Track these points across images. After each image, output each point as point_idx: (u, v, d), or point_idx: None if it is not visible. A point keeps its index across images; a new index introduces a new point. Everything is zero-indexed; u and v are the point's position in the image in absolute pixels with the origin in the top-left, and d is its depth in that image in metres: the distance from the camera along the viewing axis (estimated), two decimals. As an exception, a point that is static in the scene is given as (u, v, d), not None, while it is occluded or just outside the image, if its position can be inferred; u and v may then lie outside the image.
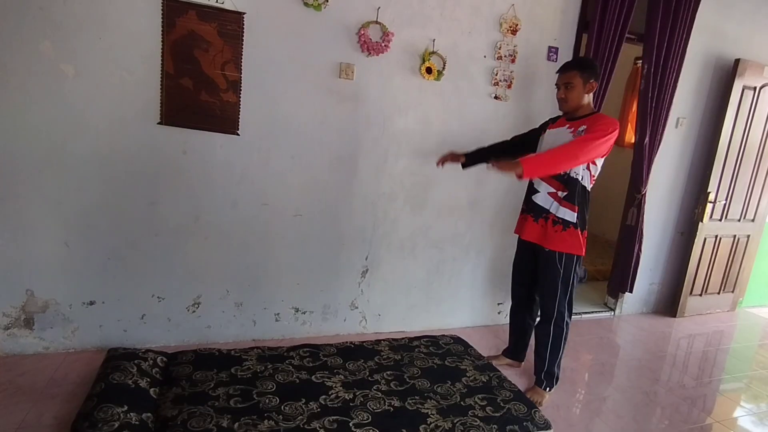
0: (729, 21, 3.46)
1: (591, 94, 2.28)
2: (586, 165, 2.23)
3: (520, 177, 2.07)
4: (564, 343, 2.41)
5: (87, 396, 1.85)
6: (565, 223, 2.27)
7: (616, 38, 2.92)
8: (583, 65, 2.28)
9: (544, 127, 2.45)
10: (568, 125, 2.28)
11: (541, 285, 2.41)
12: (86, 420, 1.69)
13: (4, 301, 2.22)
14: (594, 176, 2.29)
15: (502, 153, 2.53)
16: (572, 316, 2.45)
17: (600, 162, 2.27)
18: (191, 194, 2.39)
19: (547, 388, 2.42)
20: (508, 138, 2.64)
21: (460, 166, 2.60)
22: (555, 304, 2.35)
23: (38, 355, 2.29)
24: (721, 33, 3.47)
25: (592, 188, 2.32)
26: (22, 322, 2.26)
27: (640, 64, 3.24)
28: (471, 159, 2.58)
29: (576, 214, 2.26)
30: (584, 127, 2.20)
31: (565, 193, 2.26)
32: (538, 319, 2.53)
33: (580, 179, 2.25)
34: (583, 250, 2.31)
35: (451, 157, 2.58)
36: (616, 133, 2.17)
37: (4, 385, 2.06)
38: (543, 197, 2.32)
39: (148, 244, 2.37)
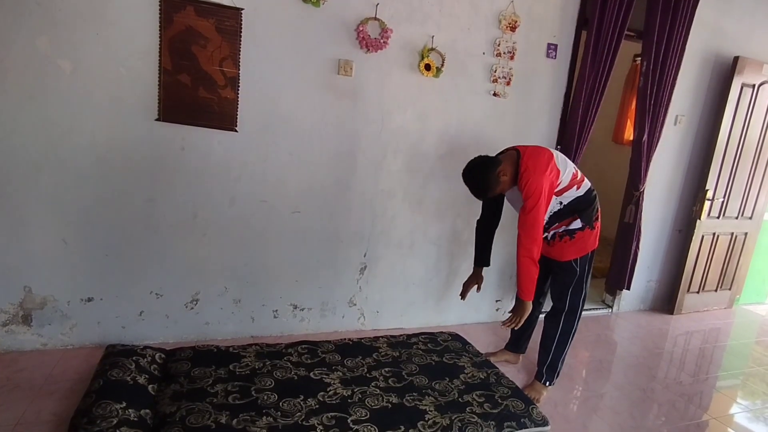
0: (728, 18, 3.46)
1: (511, 162, 2.15)
2: (562, 190, 2.18)
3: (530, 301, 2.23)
4: (572, 338, 2.42)
5: (85, 393, 1.85)
6: (571, 232, 2.28)
7: (616, 35, 2.91)
8: (485, 182, 2.14)
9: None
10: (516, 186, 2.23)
11: (557, 283, 2.41)
12: (85, 416, 1.69)
13: (2, 297, 2.22)
14: (573, 186, 2.20)
15: (491, 231, 2.54)
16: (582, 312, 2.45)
17: (565, 176, 2.17)
18: (189, 191, 2.39)
19: (547, 383, 2.43)
20: (482, 212, 2.54)
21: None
22: (567, 297, 2.36)
23: (36, 352, 2.29)
24: (721, 30, 3.46)
25: (587, 189, 2.27)
26: (20, 318, 2.26)
27: (639, 62, 3.23)
28: (483, 261, 2.57)
29: (579, 220, 2.26)
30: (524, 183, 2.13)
31: (562, 224, 2.28)
32: (546, 312, 2.54)
33: (560, 206, 2.23)
34: (597, 242, 2.32)
35: (475, 282, 2.58)
36: (541, 187, 2.08)
37: (2, 381, 2.06)
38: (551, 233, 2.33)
39: (146, 240, 2.37)
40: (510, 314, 2.31)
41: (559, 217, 2.26)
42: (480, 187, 2.18)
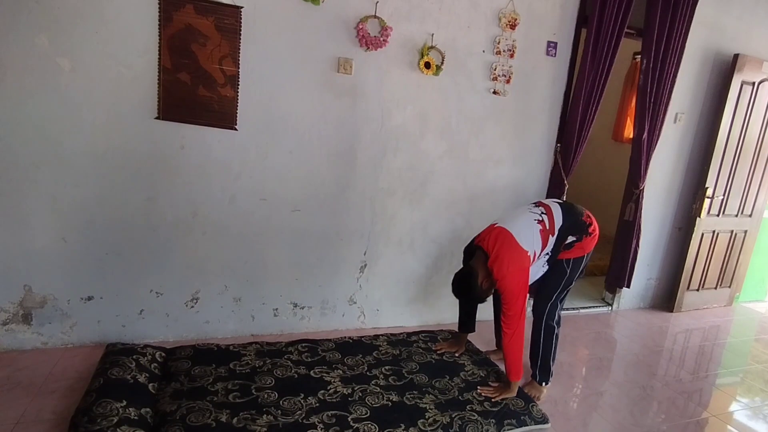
0: (728, 16, 3.46)
1: (482, 266, 2.15)
2: (540, 253, 2.19)
3: (516, 380, 2.23)
4: (556, 336, 2.41)
5: (86, 391, 1.86)
6: (568, 246, 2.29)
7: (615, 33, 2.91)
8: (475, 297, 2.21)
9: None
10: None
11: (545, 282, 2.38)
12: (85, 415, 1.69)
13: (2, 296, 2.22)
14: (548, 240, 2.21)
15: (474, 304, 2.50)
16: (563, 312, 2.45)
17: (535, 247, 2.17)
18: (189, 189, 2.38)
19: (543, 383, 2.43)
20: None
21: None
22: (549, 302, 2.35)
23: (37, 351, 2.29)
24: (721, 28, 3.46)
25: (560, 221, 2.25)
26: (20, 317, 2.26)
27: (639, 59, 3.23)
28: (468, 328, 2.58)
29: (574, 237, 2.26)
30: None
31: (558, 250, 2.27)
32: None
33: (549, 255, 2.23)
34: (593, 245, 2.33)
35: (456, 348, 2.58)
36: (513, 288, 2.11)
37: (3, 380, 2.06)
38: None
39: (146, 239, 2.36)
40: (493, 386, 2.27)
41: (553, 257, 2.27)
42: (475, 302, 2.36)
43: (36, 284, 2.25)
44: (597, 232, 2.34)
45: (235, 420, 1.82)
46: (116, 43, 2.13)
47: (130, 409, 1.76)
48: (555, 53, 2.96)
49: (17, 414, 1.88)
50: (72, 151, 2.17)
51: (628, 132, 4.77)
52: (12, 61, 2.02)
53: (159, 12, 2.15)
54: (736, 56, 3.44)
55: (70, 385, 2.08)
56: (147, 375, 2.01)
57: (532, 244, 2.17)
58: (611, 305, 3.75)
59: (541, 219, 2.23)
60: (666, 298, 3.91)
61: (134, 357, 2.08)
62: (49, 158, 2.15)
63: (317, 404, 1.98)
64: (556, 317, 2.39)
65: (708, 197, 3.62)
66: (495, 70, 2.83)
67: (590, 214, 2.34)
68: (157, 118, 2.25)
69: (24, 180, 2.14)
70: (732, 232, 3.89)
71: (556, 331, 2.40)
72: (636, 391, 2.62)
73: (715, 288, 4.01)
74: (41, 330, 2.30)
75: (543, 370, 2.42)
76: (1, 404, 1.93)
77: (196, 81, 2.27)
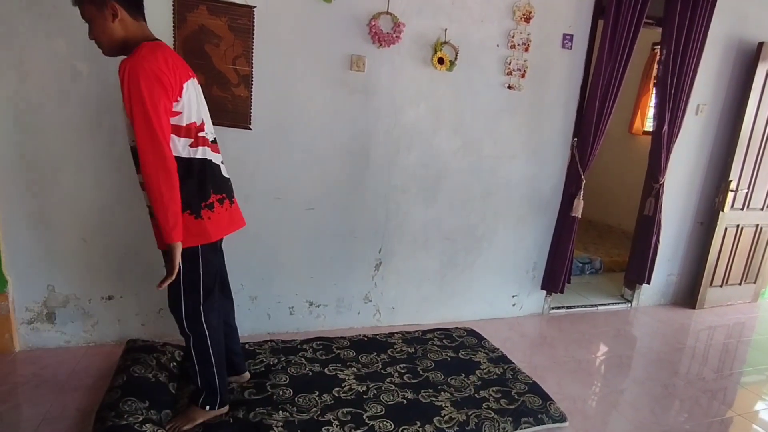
0: (751, 3, 3.34)
1: (131, 21, 1.62)
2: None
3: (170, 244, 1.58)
4: (212, 350, 1.79)
5: (109, 387, 1.89)
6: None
7: (634, 23, 2.84)
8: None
9: None
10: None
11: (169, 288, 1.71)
12: (112, 410, 1.72)
13: (27, 296, 2.28)
14: (186, 132, 1.62)
15: None
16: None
17: (183, 107, 1.60)
18: (205, 189, 2.41)
19: (207, 407, 1.83)
20: None
21: None
22: (180, 308, 1.74)
23: (60, 349, 2.35)
24: (744, 15, 3.35)
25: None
26: (44, 316, 2.32)
27: (658, 50, 3.15)
28: None
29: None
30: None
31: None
32: None
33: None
34: (204, 238, 1.69)
35: None
36: (143, 82, 1.51)
37: (29, 377, 2.12)
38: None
39: (164, 239, 2.40)
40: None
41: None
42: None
43: (59, 284, 2.31)
44: (210, 227, 1.69)
45: (251, 415, 1.84)
46: (132, 45, 2.16)
47: (152, 411, 1.78)
48: (571, 46, 2.90)
49: (44, 410, 1.93)
50: (90, 153, 2.22)
51: (647, 125, 4.67)
52: (33, 66, 2.07)
53: (173, 13, 2.17)
54: (760, 44, 3.33)
55: (92, 382, 2.13)
56: (167, 374, 2.04)
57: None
58: (630, 302, 3.68)
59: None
60: (688, 295, 3.82)
61: (155, 355, 2.11)
62: (69, 161, 2.20)
63: (332, 401, 1.99)
64: (204, 318, 1.74)
65: (732, 190, 3.52)
66: (509, 64, 2.79)
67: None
68: (172, 119, 2.28)
69: (45, 182, 2.19)
70: (757, 226, 3.78)
71: (207, 339, 1.75)
72: (657, 389, 2.57)
73: (740, 284, 3.90)
74: (64, 329, 2.36)
75: (206, 389, 1.83)
76: (29, 400, 1.98)
77: (210, 81, 2.29)
